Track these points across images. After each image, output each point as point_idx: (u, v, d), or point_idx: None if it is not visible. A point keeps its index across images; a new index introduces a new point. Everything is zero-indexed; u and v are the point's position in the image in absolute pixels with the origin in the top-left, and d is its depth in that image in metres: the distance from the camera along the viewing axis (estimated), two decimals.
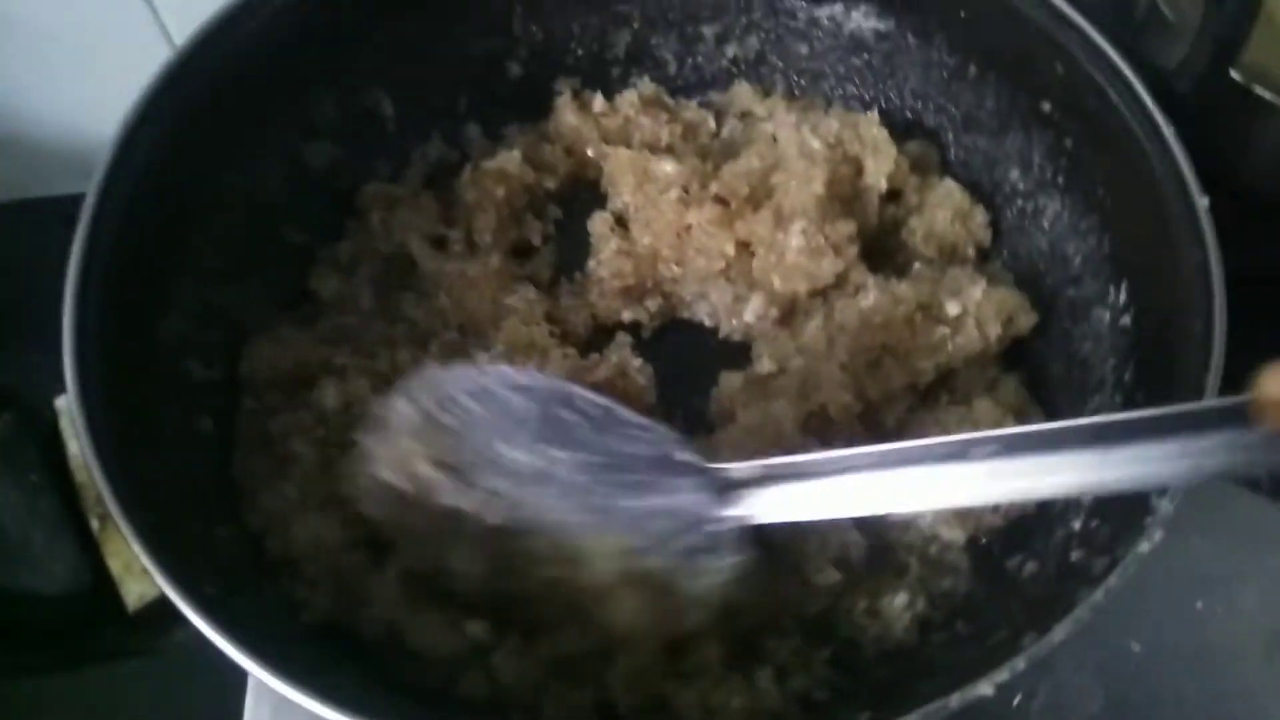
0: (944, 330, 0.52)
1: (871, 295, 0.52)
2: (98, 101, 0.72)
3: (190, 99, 0.51)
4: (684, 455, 0.44)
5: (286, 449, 0.51)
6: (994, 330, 0.52)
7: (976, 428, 0.50)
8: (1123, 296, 0.51)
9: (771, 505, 0.42)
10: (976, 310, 0.52)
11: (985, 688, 0.34)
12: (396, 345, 0.57)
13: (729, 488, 0.43)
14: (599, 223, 0.61)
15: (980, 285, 0.53)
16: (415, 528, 0.44)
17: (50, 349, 0.43)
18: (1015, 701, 0.52)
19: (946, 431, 0.51)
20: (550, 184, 0.64)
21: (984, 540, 0.50)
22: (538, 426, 0.43)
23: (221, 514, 0.47)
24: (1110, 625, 0.50)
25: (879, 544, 0.50)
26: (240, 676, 0.53)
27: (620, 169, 0.61)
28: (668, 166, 0.60)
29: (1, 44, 0.67)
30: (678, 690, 0.46)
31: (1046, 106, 0.55)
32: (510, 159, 0.61)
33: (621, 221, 0.61)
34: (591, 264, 0.60)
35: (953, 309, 0.52)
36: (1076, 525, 0.45)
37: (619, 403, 0.45)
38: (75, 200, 0.74)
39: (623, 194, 0.61)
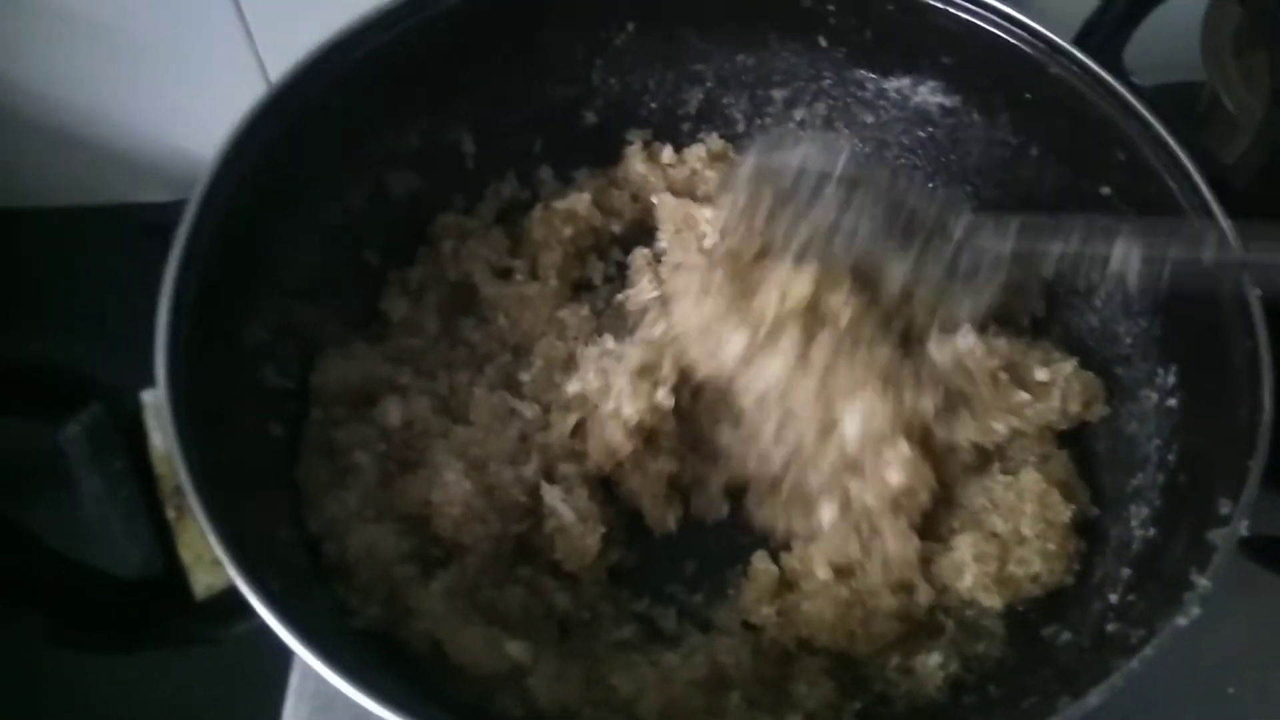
0: (1025, 396, 0.53)
1: (971, 339, 0.54)
2: (186, 116, 0.77)
3: (288, 122, 0.54)
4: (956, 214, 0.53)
5: (348, 460, 0.53)
6: (1075, 408, 0.54)
7: (1020, 499, 0.51)
8: (1171, 379, 0.52)
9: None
10: (1065, 384, 0.54)
11: None
12: (455, 368, 0.59)
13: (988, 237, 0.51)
14: (638, 257, 0.64)
15: (1073, 362, 0.55)
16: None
17: (136, 347, 0.46)
18: None
19: (991, 500, 0.53)
20: (615, 227, 0.67)
21: (1021, 608, 0.51)
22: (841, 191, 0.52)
23: (284, 516, 0.49)
24: (1143, 709, 0.50)
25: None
26: (284, 674, 0.56)
27: (666, 212, 0.65)
28: (708, 213, 0.63)
29: (100, 51, 0.71)
30: None
31: (1106, 190, 0.56)
32: (580, 200, 0.64)
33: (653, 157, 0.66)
34: (627, 294, 0.63)
35: (1041, 375, 0.54)
36: (1114, 599, 0.46)
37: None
38: (156, 209, 0.79)
39: (665, 236, 0.64)
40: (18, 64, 0.72)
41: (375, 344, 0.60)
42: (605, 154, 0.69)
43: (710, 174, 0.67)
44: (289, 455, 0.53)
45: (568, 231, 0.64)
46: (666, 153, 0.68)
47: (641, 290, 0.63)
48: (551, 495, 0.52)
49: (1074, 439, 0.56)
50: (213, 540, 0.38)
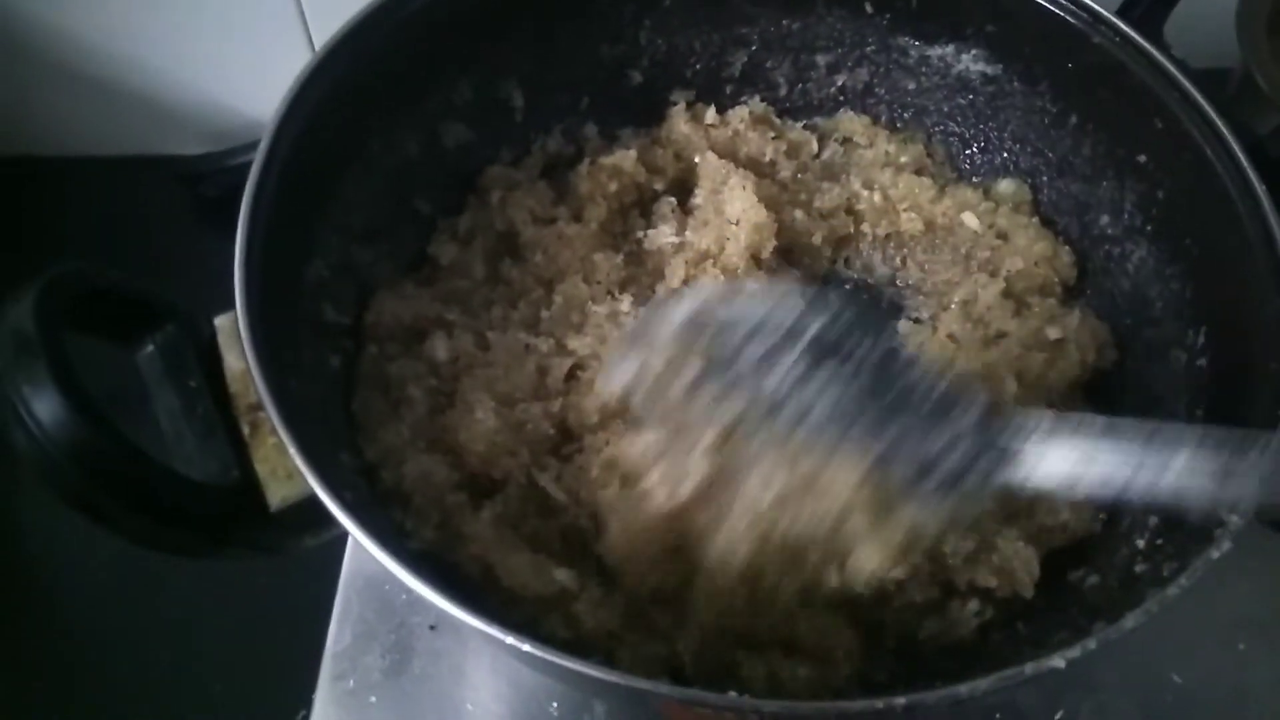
0: (1043, 356, 0.55)
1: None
2: (224, 71, 0.78)
3: (349, 71, 0.56)
4: (965, 398, 0.44)
5: (402, 393, 0.55)
6: (1090, 356, 0.55)
7: None
8: (1201, 339, 0.53)
9: (1041, 462, 0.41)
10: (1076, 336, 0.55)
11: (1058, 661, 0.37)
12: (493, 304, 0.61)
13: (998, 434, 0.42)
14: (664, 204, 0.66)
15: (1076, 313, 0.56)
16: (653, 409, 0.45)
17: (194, 281, 0.48)
18: (1058, 716, 0.54)
19: None
20: (658, 185, 0.68)
21: (1047, 555, 0.53)
22: (804, 361, 0.43)
23: (343, 444, 0.51)
24: (1155, 655, 0.52)
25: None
26: (327, 602, 0.58)
27: (706, 170, 0.66)
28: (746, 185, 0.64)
29: (143, 2, 0.73)
30: (745, 659, 0.49)
31: (1143, 158, 0.58)
32: (626, 157, 0.66)
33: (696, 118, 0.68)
34: (647, 233, 0.65)
35: (1053, 333, 0.55)
36: (1141, 544, 0.48)
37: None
38: (187, 161, 0.81)
39: (701, 194, 0.66)
40: (61, 12, 0.73)
41: (425, 286, 0.62)
42: (649, 113, 0.70)
43: (752, 135, 0.69)
44: (346, 388, 0.55)
45: (613, 186, 0.65)
46: (710, 114, 0.69)
47: (661, 234, 0.65)
48: None
49: (1101, 397, 0.58)
50: (293, 451, 0.40)
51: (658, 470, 0.46)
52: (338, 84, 0.55)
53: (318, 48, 0.73)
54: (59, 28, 0.74)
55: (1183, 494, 0.38)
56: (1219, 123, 0.53)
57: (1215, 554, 0.39)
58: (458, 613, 0.38)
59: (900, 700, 0.35)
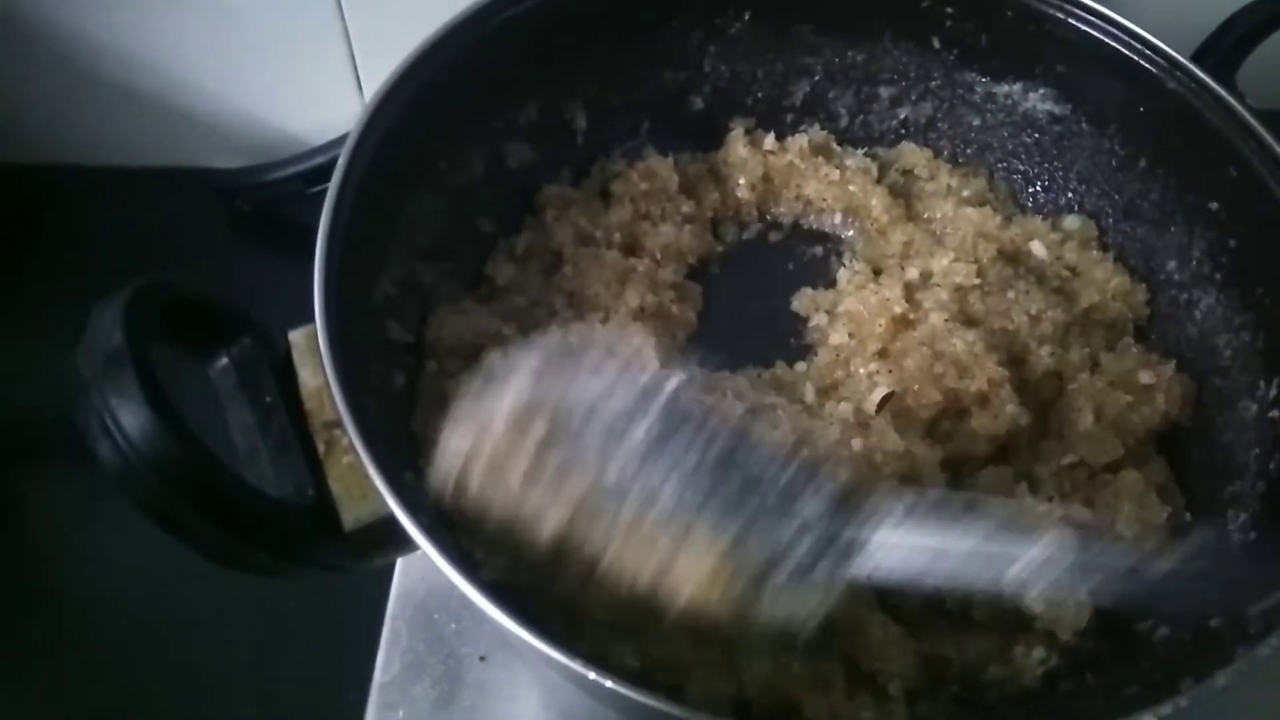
0: (1128, 399, 0.55)
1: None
2: (266, 85, 0.78)
3: (422, 91, 0.55)
4: (815, 486, 0.42)
5: None
6: (1175, 410, 0.55)
7: (1118, 498, 0.53)
8: (1273, 391, 0.53)
9: (890, 553, 0.40)
10: (1167, 386, 0.55)
11: (1149, 717, 0.36)
12: (549, 321, 0.60)
13: (846, 522, 0.41)
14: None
15: (1173, 363, 0.56)
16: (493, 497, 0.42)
17: (241, 291, 0.47)
18: None
19: (1089, 498, 0.54)
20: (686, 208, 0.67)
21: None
22: (659, 432, 0.41)
23: (408, 464, 0.51)
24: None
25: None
26: (375, 633, 0.58)
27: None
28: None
29: (187, 17, 0.73)
30: (809, 698, 0.48)
31: (1214, 205, 0.58)
32: (662, 163, 0.66)
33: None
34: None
35: (1145, 378, 0.55)
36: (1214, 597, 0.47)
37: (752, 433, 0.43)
38: (224, 174, 0.80)
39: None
40: (98, 23, 0.73)
41: (483, 303, 0.62)
42: (708, 141, 0.70)
43: (810, 164, 0.69)
44: (409, 406, 0.55)
45: (644, 187, 0.65)
46: (769, 140, 0.69)
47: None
48: None
49: (1171, 446, 0.57)
50: (372, 471, 0.40)
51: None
52: (409, 104, 0.55)
53: (359, 64, 0.76)
54: (91, 36, 0.74)
55: (1033, 585, 0.38)
56: None
57: None
58: (535, 641, 0.38)
59: None
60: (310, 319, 0.47)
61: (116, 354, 0.38)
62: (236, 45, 0.75)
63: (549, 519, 0.41)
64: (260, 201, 0.80)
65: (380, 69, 0.54)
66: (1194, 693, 0.37)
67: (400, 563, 0.60)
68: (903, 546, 0.40)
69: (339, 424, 0.44)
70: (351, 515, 0.42)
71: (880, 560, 0.40)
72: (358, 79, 0.77)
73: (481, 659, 0.58)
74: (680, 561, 0.41)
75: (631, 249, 0.65)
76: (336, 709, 0.58)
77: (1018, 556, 0.38)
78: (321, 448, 0.44)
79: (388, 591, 0.60)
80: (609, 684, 0.39)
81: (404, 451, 0.52)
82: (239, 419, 0.45)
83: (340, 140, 0.52)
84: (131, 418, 0.38)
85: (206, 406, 0.46)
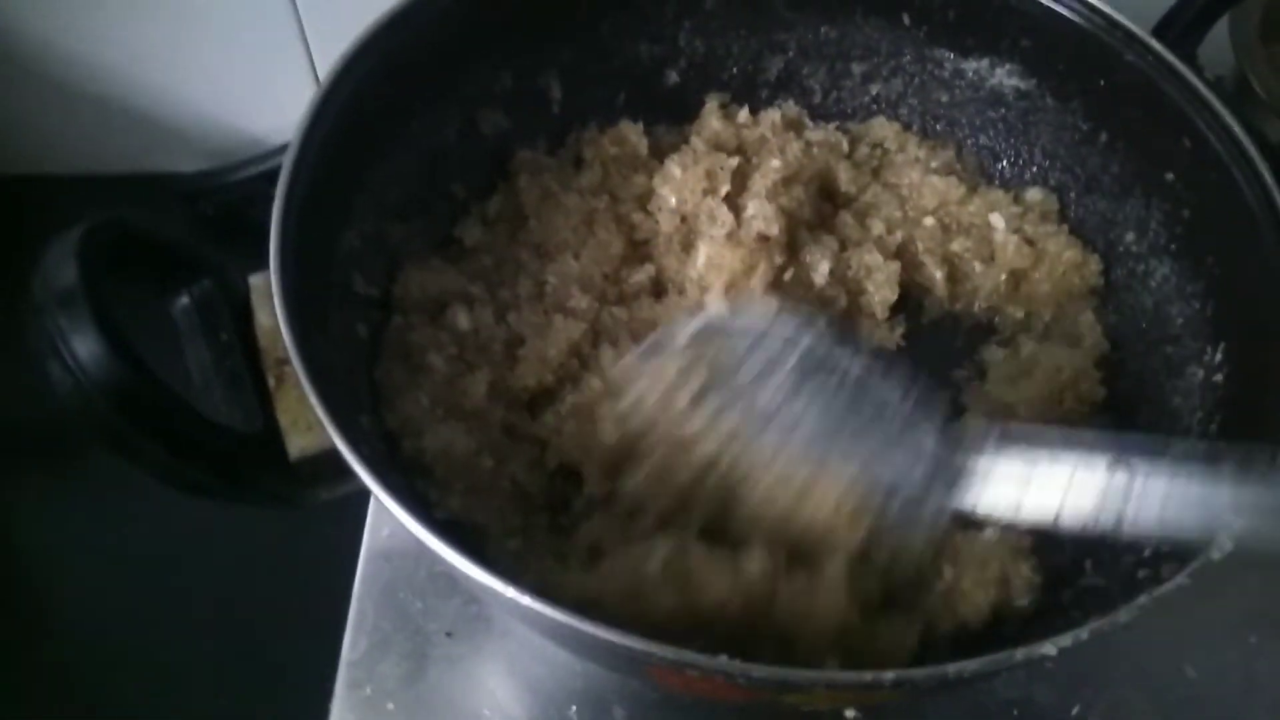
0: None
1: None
2: (227, 88, 0.78)
3: (393, 52, 0.57)
4: (929, 421, 0.47)
5: (423, 361, 0.56)
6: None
7: None
8: (1219, 356, 0.53)
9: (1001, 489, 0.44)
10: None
11: (1049, 648, 0.37)
12: (515, 281, 0.62)
13: (963, 455, 0.46)
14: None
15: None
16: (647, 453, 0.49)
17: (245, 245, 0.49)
18: (1074, 711, 0.54)
19: None
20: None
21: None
22: (796, 373, 0.47)
23: (367, 410, 0.52)
24: (1167, 650, 0.53)
25: None
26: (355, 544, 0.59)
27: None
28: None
29: (142, 20, 0.73)
30: None
31: (1170, 177, 0.58)
32: (631, 127, 0.67)
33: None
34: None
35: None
36: (1147, 553, 0.48)
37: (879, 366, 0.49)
38: (187, 179, 0.81)
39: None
40: (57, 28, 0.73)
41: (451, 263, 0.63)
42: (683, 114, 0.71)
43: (782, 137, 0.70)
44: (371, 356, 0.56)
45: (614, 151, 0.67)
46: (743, 114, 0.70)
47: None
48: None
49: (1115, 408, 0.58)
50: (314, 401, 0.41)
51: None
52: (386, 59, 0.56)
53: (318, 66, 0.76)
54: (53, 44, 0.74)
55: (1155, 522, 0.40)
56: (1247, 145, 0.53)
57: (1216, 555, 0.39)
58: (478, 574, 0.39)
59: (888, 676, 0.35)
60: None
61: (69, 281, 0.40)
62: (195, 48, 0.76)
63: (704, 453, 0.47)
64: (224, 204, 0.80)
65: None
66: (1097, 625, 0.38)
67: (365, 544, 0.61)
68: (1003, 476, 0.44)
69: (289, 361, 0.46)
70: (297, 446, 0.44)
71: (980, 490, 0.44)
72: (316, 77, 0.78)
73: (448, 635, 0.59)
74: (817, 487, 0.46)
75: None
76: (305, 691, 0.58)
77: (1120, 488, 0.41)
78: (272, 382, 0.46)
79: (353, 574, 0.61)
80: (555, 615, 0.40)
81: (362, 398, 0.53)
82: (196, 356, 0.47)
83: None
84: (83, 343, 0.39)
85: (166, 343, 0.48)
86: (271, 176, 0.73)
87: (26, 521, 0.71)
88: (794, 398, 0.46)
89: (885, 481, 0.46)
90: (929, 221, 0.65)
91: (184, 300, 0.48)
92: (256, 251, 0.46)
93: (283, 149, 0.65)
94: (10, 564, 0.69)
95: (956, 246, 0.65)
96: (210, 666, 0.64)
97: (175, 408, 0.41)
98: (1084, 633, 0.38)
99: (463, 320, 0.59)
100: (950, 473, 0.45)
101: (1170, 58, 0.57)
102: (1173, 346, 0.57)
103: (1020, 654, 0.37)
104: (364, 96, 0.55)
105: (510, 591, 0.40)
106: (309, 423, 0.44)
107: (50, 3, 0.71)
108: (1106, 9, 0.59)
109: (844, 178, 0.68)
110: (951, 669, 0.36)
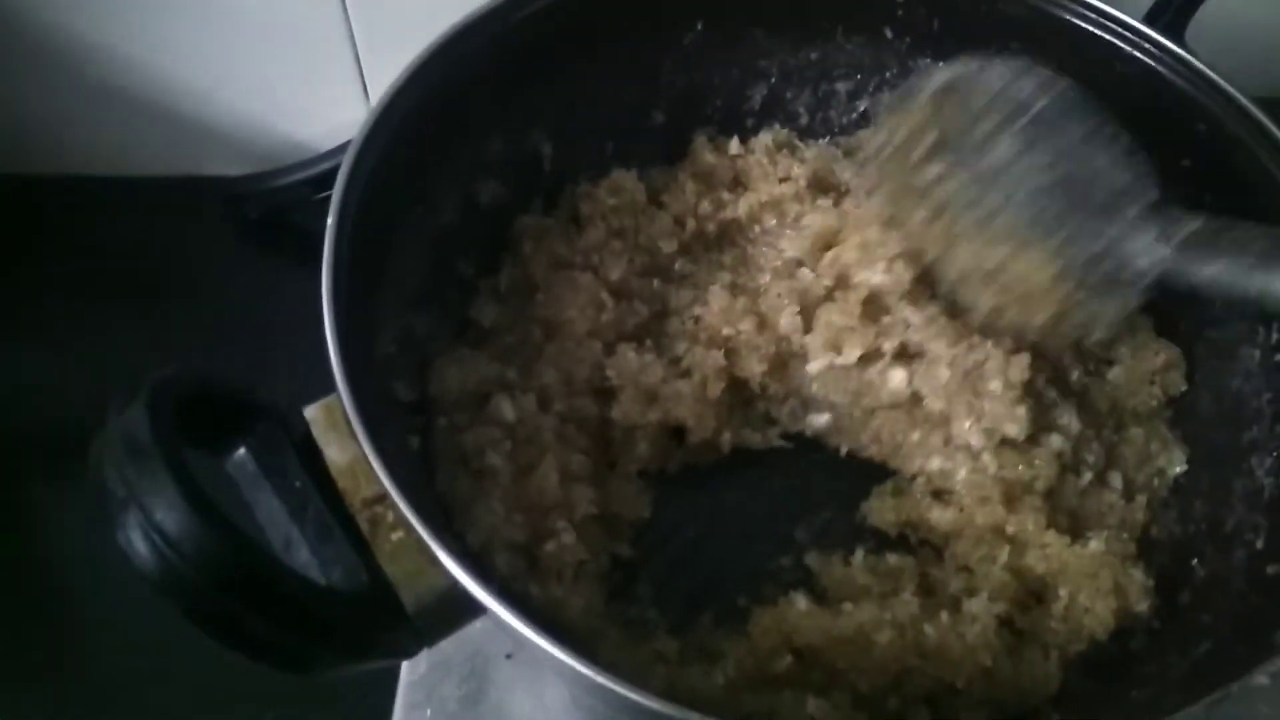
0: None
1: None
2: (272, 92, 0.77)
3: (394, 138, 0.53)
4: (1147, 193, 0.49)
5: (482, 463, 0.53)
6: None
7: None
8: (1274, 336, 0.54)
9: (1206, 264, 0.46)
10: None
11: (1261, 678, 0.37)
12: (533, 358, 0.59)
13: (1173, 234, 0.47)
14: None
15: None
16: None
17: (279, 361, 0.45)
18: None
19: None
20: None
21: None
22: (1024, 136, 0.49)
23: (443, 528, 0.48)
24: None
25: None
26: None
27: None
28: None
29: (193, 24, 0.72)
30: None
31: (1186, 162, 0.59)
32: (624, 175, 0.65)
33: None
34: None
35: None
36: (1260, 544, 0.48)
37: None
38: (231, 182, 0.78)
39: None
40: (107, 31, 0.72)
41: (476, 348, 0.59)
42: (674, 153, 0.69)
43: (776, 160, 0.68)
44: (428, 470, 0.52)
45: (611, 202, 0.64)
46: (733, 144, 0.69)
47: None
48: None
49: (1174, 401, 0.59)
50: (431, 543, 0.38)
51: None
52: (382, 155, 0.52)
53: (365, 69, 0.74)
54: (100, 45, 0.73)
55: None
56: (1265, 121, 0.54)
57: None
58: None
59: None
60: (320, 392, 0.45)
61: (142, 448, 0.35)
62: (241, 51, 0.74)
63: (921, 209, 0.51)
64: (267, 208, 0.79)
65: (386, 73, 0.53)
66: None
67: None
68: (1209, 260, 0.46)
69: (379, 500, 0.42)
70: (413, 595, 0.40)
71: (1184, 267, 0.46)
72: (363, 83, 0.76)
73: (508, 656, 0.57)
74: (1024, 256, 0.49)
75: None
76: (363, 713, 0.57)
77: None
78: (365, 527, 0.41)
79: None
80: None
81: (436, 517, 0.49)
82: (268, 509, 0.42)
83: (345, 147, 0.50)
84: (169, 515, 0.35)
85: (228, 503, 0.43)
86: (315, 182, 0.75)
87: (54, 530, 0.68)
88: (1014, 165, 0.48)
89: (1090, 251, 0.48)
90: None
91: (240, 452, 0.43)
92: (299, 259, 0.43)
93: (328, 155, 0.62)
94: (38, 573, 0.66)
95: None
96: (257, 684, 0.59)
97: (280, 577, 0.37)
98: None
99: (507, 411, 0.55)
100: (1153, 252, 0.47)
101: (1172, 45, 0.58)
102: (1215, 330, 0.58)
103: (1235, 687, 0.36)
104: (372, 193, 0.51)
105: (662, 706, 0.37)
106: (419, 566, 0.40)
107: (104, 7, 0.70)
108: (1097, 2, 0.60)
109: (845, 177, 0.67)
110: (1178, 717, 0.35)
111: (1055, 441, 0.54)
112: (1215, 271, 0.46)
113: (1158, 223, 0.48)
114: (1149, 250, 0.47)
